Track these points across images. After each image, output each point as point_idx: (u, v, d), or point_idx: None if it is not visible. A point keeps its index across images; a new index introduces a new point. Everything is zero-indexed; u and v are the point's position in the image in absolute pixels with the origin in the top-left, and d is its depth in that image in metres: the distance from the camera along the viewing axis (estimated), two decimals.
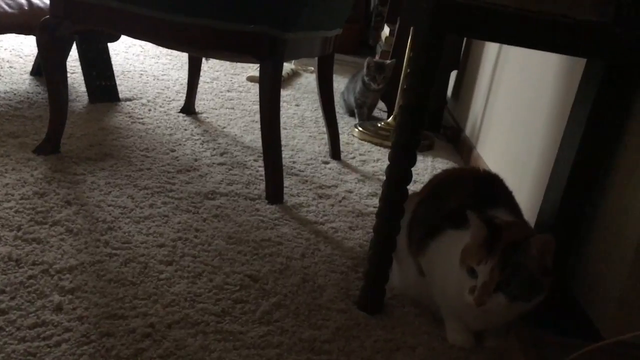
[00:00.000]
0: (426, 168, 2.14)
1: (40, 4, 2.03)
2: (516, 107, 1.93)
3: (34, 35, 2.03)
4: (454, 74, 2.93)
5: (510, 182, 1.25)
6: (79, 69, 2.29)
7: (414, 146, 1.10)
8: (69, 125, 1.80)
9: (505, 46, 2.17)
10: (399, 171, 1.11)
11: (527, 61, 1.89)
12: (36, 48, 1.99)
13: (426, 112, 1.09)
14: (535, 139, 1.66)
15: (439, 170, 2.08)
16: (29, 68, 2.46)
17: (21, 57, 2.65)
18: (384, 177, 1.14)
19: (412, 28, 2.41)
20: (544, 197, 1.32)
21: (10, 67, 2.47)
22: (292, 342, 1.03)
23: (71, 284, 1.08)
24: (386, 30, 3.43)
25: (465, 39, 2.80)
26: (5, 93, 2.10)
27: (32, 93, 2.17)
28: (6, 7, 1.96)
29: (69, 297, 1.04)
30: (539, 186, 1.50)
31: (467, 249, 1.04)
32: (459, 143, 2.53)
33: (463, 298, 1.01)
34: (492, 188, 1.22)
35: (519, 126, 1.85)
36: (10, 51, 2.73)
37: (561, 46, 1.09)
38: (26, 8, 2.00)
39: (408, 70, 1.12)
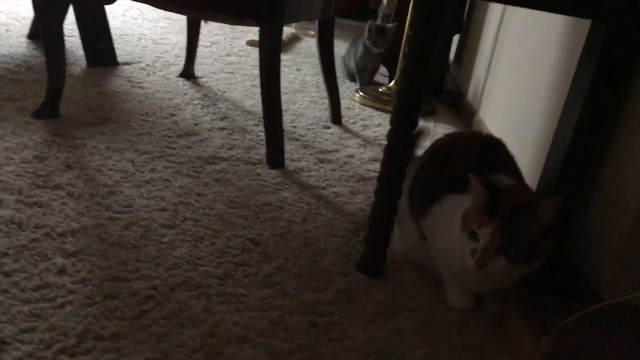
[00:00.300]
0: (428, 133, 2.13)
1: None
2: (519, 71, 1.91)
3: None
4: (456, 39, 2.89)
5: (512, 146, 1.25)
6: (76, 32, 2.25)
7: (416, 110, 1.10)
8: (68, 89, 1.78)
9: (508, 9, 2.14)
10: (401, 135, 1.11)
11: (530, 25, 1.86)
12: (33, 11, 1.96)
13: (427, 76, 1.08)
14: (537, 103, 1.64)
15: (440, 136, 2.07)
16: (26, 31, 2.42)
17: (18, 20, 2.61)
18: (386, 142, 1.14)
19: None
20: (546, 162, 1.31)
21: (7, 30, 2.44)
22: (294, 305, 1.04)
23: (74, 247, 1.08)
24: None
25: (468, 2, 2.75)
26: (2, 57, 2.08)
27: (29, 56, 2.14)
28: None
29: (72, 259, 1.05)
30: (541, 151, 1.50)
31: (468, 212, 1.04)
32: (461, 108, 2.52)
33: (464, 260, 1.02)
34: (494, 152, 1.21)
35: (522, 91, 1.83)
36: (7, 14, 2.69)
37: (565, 7, 1.08)
38: None
39: (409, 34, 1.11)
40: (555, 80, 1.54)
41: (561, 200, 1.00)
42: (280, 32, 1.55)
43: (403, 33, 2.48)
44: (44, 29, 1.60)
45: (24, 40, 2.34)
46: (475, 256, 0.99)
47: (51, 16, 1.59)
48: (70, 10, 2.16)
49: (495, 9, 2.33)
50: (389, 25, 2.61)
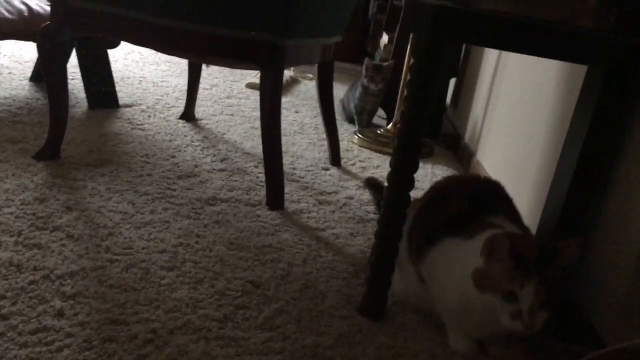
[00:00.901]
0: (426, 175, 2.15)
1: (40, 10, 2.03)
2: (516, 113, 1.93)
3: (33, 41, 2.04)
4: (452, 82, 2.94)
5: (511, 188, 1.25)
6: (78, 75, 2.29)
7: (416, 152, 1.11)
8: (69, 131, 1.79)
9: (504, 53, 2.18)
10: (401, 177, 1.11)
11: (527, 68, 1.89)
12: (35, 54, 1.99)
13: (427, 119, 1.10)
14: (535, 145, 1.66)
15: (438, 177, 2.08)
16: (29, 74, 2.46)
17: (20, 64, 2.66)
18: (385, 184, 1.14)
19: (412, 35, 2.42)
20: (546, 204, 1.32)
21: (10, 73, 2.47)
22: (295, 348, 1.03)
23: (72, 290, 1.08)
24: (385, 38, 3.44)
25: (464, 46, 2.81)
26: (4, 99, 2.10)
27: (31, 99, 2.17)
28: (6, 14, 1.96)
29: (71, 302, 1.04)
30: (540, 193, 1.50)
31: (491, 271, 0.98)
32: (459, 150, 2.54)
33: (505, 325, 0.96)
34: (493, 195, 1.22)
35: (519, 133, 1.86)
36: (10, 57, 2.73)
37: (562, 53, 1.10)
38: (26, 14, 2.00)
39: (408, 78, 1.12)
40: (553, 121, 1.56)
41: (582, 240, 0.98)
42: (282, 75, 1.58)
43: (401, 75, 2.52)
44: (48, 72, 1.62)
45: (26, 82, 2.37)
46: (522, 319, 0.94)
47: (55, 60, 1.61)
48: (73, 53, 2.20)
49: (492, 53, 2.37)
50: (386, 63, 2.65)
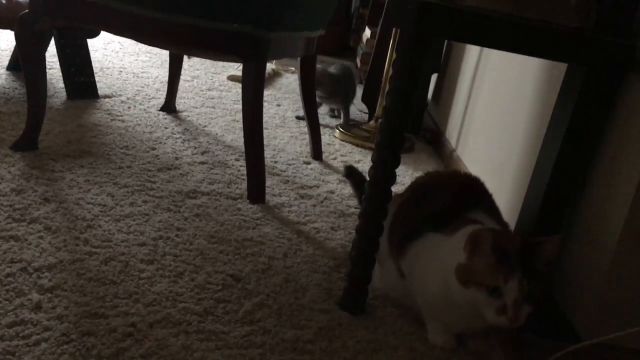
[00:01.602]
0: (407, 170, 2.16)
1: None
2: (497, 110, 1.95)
3: (10, 29, 2.00)
4: (434, 78, 2.95)
5: (491, 184, 1.26)
6: (57, 65, 2.25)
7: (397, 148, 1.11)
8: (47, 122, 1.77)
9: (486, 49, 2.20)
10: (383, 172, 1.12)
11: (508, 64, 1.91)
12: (12, 42, 1.95)
13: (409, 114, 1.10)
14: (515, 141, 1.68)
15: (419, 173, 2.09)
16: (5, 63, 2.42)
17: None
18: (364, 174, 1.14)
19: (395, 30, 2.42)
20: (525, 199, 1.34)
21: None
22: (275, 342, 1.03)
23: (50, 283, 1.06)
24: (367, 33, 3.44)
25: (446, 42, 2.82)
26: None
27: (8, 88, 2.13)
28: None
29: (48, 295, 1.03)
30: (519, 189, 1.52)
31: (474, 266, 0.99)
32: (439, 146, 2.55)
33: (489, 320, 0.96)
34: (473, 191, 1.23)
35: (500, 129, 1.87)
36: None
37: (543, 51, 1.11)
38: (4, 2, 1.97)
39: (391, 73, 1.12)
40: (533, 118, 1.58)
41: (562, 237, 0.99)
42: (264, 68, 1.57)
43: (383, 70, 2.52)
44: (26, 61, 1.60)
45: (3, 71, 2.33)
46: (507, 314, 0.94)
47: (33, 48, 1.58)
48: (52, 42, 2.17)
49: (474, 48, 2.39)
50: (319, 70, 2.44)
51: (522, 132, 1.63)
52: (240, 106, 2.39)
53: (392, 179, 1.12)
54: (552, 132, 1.27)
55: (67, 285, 1.07)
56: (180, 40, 1.53)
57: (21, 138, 1.62)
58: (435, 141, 2.63)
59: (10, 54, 2.41)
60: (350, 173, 1.64)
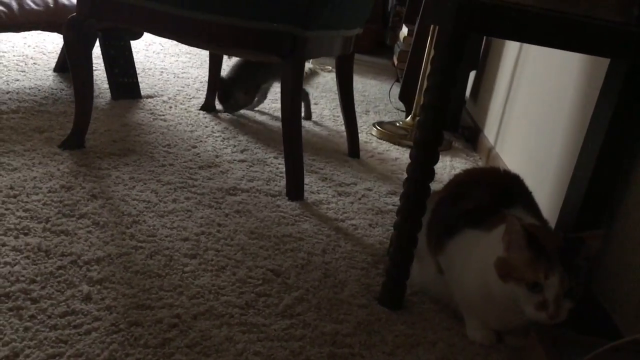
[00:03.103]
0: (444, 167, 2.15)
1: (66, 2, 2.07)
2: (537, 106, 1.93)
3: (57, 32, 2.08)
4: (472, 75, 2.93)
5: (530, 182, 1.26)
6: (101, 66, 2.32)
7: (436, 144, 1.11)
8: (93, 121, 1.82)
9: (525, 45, 2.18)
10: (421, 169, 1.12)
11: (549, 60, 1.89)
12: (59, 45, 2.02)
13: (447, 111, 1.11)
14: (556, 139, 1.66)
15: (457, 170, 2.09)
16: (52, 65, 2.50)
17: (44, 54, 2.70)
18: (403, 176, 1.15)
19: (432, 27, 2.42)
20: (565, 197, 1.32)
21: (35, 63, 2.51)
22: (315, 335, 1.05)
23: (99, 275, 1.11)
24: (404, 30, 3.44)
25: (484, 39, 2.80)
26: (30, 89, 2.14)
27: (56, 89, 2.21)
28: (32, 5, 2.00)
29: (98, 287, 1.07)
30: (560, 186, 1.51)
31: (513, 261, 0.99)
32: (477, 143, 2.54)
33: (530, 316, 0.97)
34: (512, 188, 1.23)
35: (540, 126, 1.85)
36: (34, 48, 2.78)
37: (584, 46, 1.10)
38: (52, 6, 2.04)
39: (429, 70, 1.13)
40: (575, 115, 1.56)
41: (604, 232, 0.98)
42: (303, 67, 1.59)
43: (420, 68, 2.52)
44: (74, 62, 1.65)
45: (50, 73, 2.41)
46: (547, 310, 0.95)
47: (80, 50, 1.64)
48: (97, 45, 2.23)
49: (513, 45, 2.36)
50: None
51: (563, 129, 1.61)
52: (278, 105, 2.42)
53: (431, 176, 1.13)
54: (594, 128, 1.25)
55: (115, 277, 1.11)
56: (219, 40, 1.57)
57: (69, 137, 1.68)
58: (474, 139, 2.61)
59: (57, 56, 2.50)
60: None
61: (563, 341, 1.05)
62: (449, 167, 2.18)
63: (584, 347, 0.97)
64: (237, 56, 1.80)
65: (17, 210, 1.28)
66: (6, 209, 1.28)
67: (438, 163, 1.12)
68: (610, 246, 1.24)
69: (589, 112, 1.29)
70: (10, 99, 1.99)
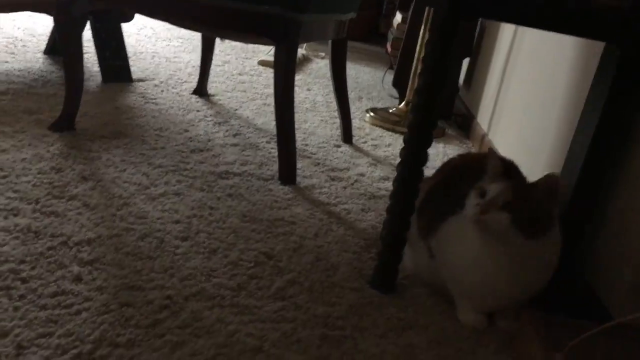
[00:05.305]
0: (437, 154, 2.15)
1: None
2: (530, 93, 1.93)
3: (47, 13, 2.05)
4: (465, 63, 2.93)
5: (523, 168, 1.25)
6: (92, 49, 2.30)
7: (430, 128, 1.11)
8: (83, 104, 1.80)
9: (520, 32, 2.17)
10: (414, 152, 1.12)
11: (543, 46, 1.88)
12: (48, 27, 1.99)
13: (441, 95, 1.10)
14: (549, 125, 1.66)
15: (449, 157, 2.08)
16: (42, 47, 2.47)
17: (34, 37, 2.67)
18: (396, 161, 1.15)
19: (426, 14, 2.41)
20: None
21: (24, 46, 2.48)
22: (307, 318, 1.05)
23: (90, 256, 1.10)
24: (398, 17, 3.42)
25: (478, 26, 2.79)
26: (19, 71, 2.12)
27: (45, 71, 2.18)
28: None
29: (88, 268, 1.06)
30: (553, 171, 1.51)
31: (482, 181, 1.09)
32: (470, 130, 2.54)
33: (466, 214, 1.05)
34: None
35: (533, 113, 1.85)
36: (24, 30, 2.74)
37: (579, 30, 1.10)
38: None
39: (423, 53, 1.12)
40: (568, 101, 1.56)
41: (558, 177, 1.05)
42: (296, 51, 1.58)
43: (414, 55, 2.51)
44: (64, 44, 1.63)
45: (40, 55, 2.39)
46: (479, 205, 1.03)
47: (71, 32, 1.62)
48: (87, 27, 2.21)
49: (507, 32, 2.36)
50: None
51: (556, 115, 1.61)
52: (270, 90, 2.41)
53: (424, 159, 1.12)
54: (587, 115, 1.25)
55: (106, 259, 1.10)
56: (212, 22, 1.55)
57: (59, 119, 1.67)
58: (467, 126, 2.61)
59: (47, 38, 2.46)
60: None
61: (554, 324, 1.06)
62: (441, 154, 2.17)
63: (575, 330, 0.98)
64: (230, 39, 1.78)
65: (7, 191, 1.27)
66: None
67: (431, 150, 1.12)
68: (603, 232, 1.24)
69: (582, 98, 1.29)
70: None
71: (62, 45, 1.64)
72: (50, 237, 1.13)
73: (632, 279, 1.10)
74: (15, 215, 1.18)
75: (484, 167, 1.24)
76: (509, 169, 1.11)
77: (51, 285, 0.99)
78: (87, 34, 2.22)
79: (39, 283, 0.99)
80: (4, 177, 1.33)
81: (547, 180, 1.04)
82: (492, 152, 1.13)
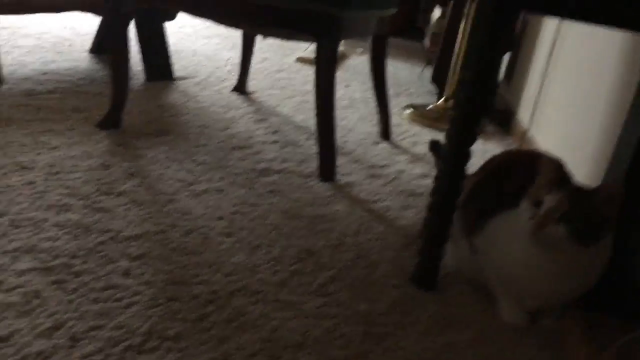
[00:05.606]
0: (476, 151, 2.12)
1: None
2: (574, 88, 1.89)
3: (94, 12, 2.11)
4: (506, 57, 2.88)
5: (568, 164, 1.24)
6: (135, 48, 2.34)
7: (474, 124, 1.10)
8: (128, 102, 1.85)
9: (563, 26, 2.13)
10: (457, 149, 1.12)
11: (588, 41, 1.85)
12: (94, 26, 2.04)
13: (487, 90, 1.09)
14: (594, 122, 1.63)
15: (489, 154, 2.06)
16: (88, 46, 2.54)
17: (80, 36, 2.74)
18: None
19: (467, 8, 2.38)
20: (603, 182, 1.30)
21: (70, 45, 2.55)
22: (348, 314, 1.06)
23: (138, 251, 1.13)
24: (437, 12, 3.39)
25: (521, 20, 2.75)
26: (66, 70, 2.18)
27: (92, 70, 2.24)
28: None
29: (136, 263, 1.09)
30: (598, 169, 1.48)
31: (535, 186, 1.06)
32: (511, 126, 2.50)
33: (523, 226, 1.02)
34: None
35: (577, 109, 1.82)
36: (70, 29, 2.82)
37: (627, 23, 1.07)
38: None
39: (463, 51, 1.12)
40: (614, 97, 1.52)
41: (621, 186, 1.00)
42: (337, 47, 1.58)
43: (452, 50, 2.49)
44: (112, 42, 1.68)
45: (86, 54, 2.45)
46: (535, 219, 1.00)
47: (118, 30, 1.66)
48: (131, 27, 2.26)
49: (549, 26, 2.32)
50: None
51: (602, 110, 1.58)
52: (309, 87, 2.42)
53: (467, 157, 1.12)
54: (635, 111, 1.23)
55: (153, 254, 1.13)
56: (254, 19, 1.57)
57: (106, 117, 1.71)
58: (507, 122, 2.57)
59: (93, 37, 2.53)
60: (435, 147, 1.63)
61: (600, 324, 1.04)
62: (481, 150, 2.15)
63: (620, 331, 0.96)
64: (272, 36, 1.80)
65: (58, 188, 1.31)
66: (47, 186, 1.31)
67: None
68: None
69: (629, 94, 1.27)
70: (47, 79, 2.03)
71: (110, 44, 1.68)
72: (100, 233, 1.17)
73: None
74: (66, 211, 1.23)
75: (530, 165, 1.23)
76: (563, 176, 1.07)
77: (102, 279, 1.03)
78: (131, 33, 2.28)
79: (91, 277, 1.03)
80: (56, 173, 1.37)
81: (609, 188, 1.00)
82: (546, 158, 1.09)
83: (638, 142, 1.16)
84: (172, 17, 2.35)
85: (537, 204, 1.01)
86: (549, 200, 1.00)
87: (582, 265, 1.04)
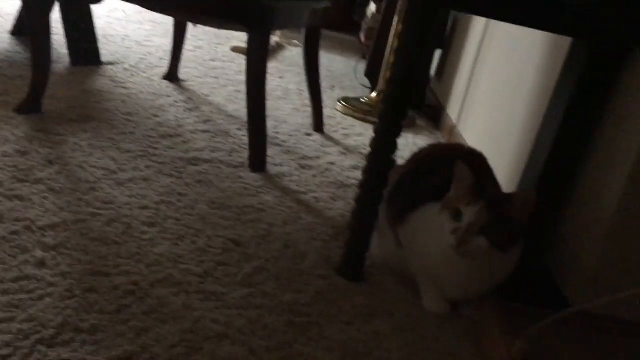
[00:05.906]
0: (407, 145, 2.17)
1: None
2: (500, 86, 1.95)
3: None
4: (437, 54, 2.94)
5: (491, 159, 1.27)
6: (61, 30, 2.25)
7: (400, 117, 1.12)
8: (50, 86, 1.77)
9: (491, 26, 2.19)
10: (384, 141, 1.13)
11: (512, 41, 1.91)
12: (16, 8, 1.94)
13: (413, 85, 1.11)
14: (516, 118, 1.69)
15: (419, 147, 2.10)
16: (9, 27, 2.41)
17: (1, 17, 2.60)
18: (366, 151, 1.16)
19: (400, 4, 2.42)
20: (523, 174, 1.35)
21: None
22: (273, 304, 1.05)
23: (54, 241, 1.08)
24: (372, 7, 3.42)
25: (451, 18, 2.81)
26: None
27: (12, 52, 2.13)
28: None
29: (52, 253, 1.05)
30: (519, 165, 1.53)
31: (452, 195, 1.07)
32: (440, 121, 2.56)
33: (444, 240, 1.03)
34: (475, 165, 1.24)
35: (502, 105, 1.88)
36: None
37: (548, 24, 1.11)
38: None
39: (396, 45, 1.13)
40: (536, 94, 1.58)
41: (534, 193, 1.03)
42: (269, 38, 1.57)
43: (386, 45, 2.52)
44: (32, 25, 1.60)
45: (6, 36, 2.33)
46: (457, 235, 1.01)
47: (40, 12, 1.58)
48: (56, 8, 2.16)
49: (478, 25, 2.38)
50: None
51: (524, 108, 1.64)
52: (243, 77, 2.38)
53: (394, 148, 1.13)
54: (553, 108, 1.28)
55: (71, 244, 1.09)
56: (185, 6, 1.53)
57: (25, 101, 1.63)
58: (437, 117, 2.63)
59: (14, 19, 2.40)
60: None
61: (516, 312, 1.08)
62: (411, 144, 2.19)
63: (535, 317, 1.00)
64: (203, 24, 1.76)
65: None
66: None
67: (401, 140, 1.13)
68: (565, 222, 1.27)
69: (549, 93, 1.32)
70: None
71: (30, 26, 1.60)
72: (14, 221, 1.11)
73: (592, 269, 1.13)
74: None
75: (455, 158, 1.26)
76: (480, 179, 1.07)
77: (13, 269, 0.98)
78: (56, 15, 2.18)
79: (1, 268, 0.97)
80: None
81: (523, 196, 1.03)
82: (461, 166, 1.06)
83: (555, 141, 1.21)
84: (99, 0, 2.26)
85: (457, 214, 1.02)
86: (469, 215, 1.01)
87: (497, 266, 1.08)
